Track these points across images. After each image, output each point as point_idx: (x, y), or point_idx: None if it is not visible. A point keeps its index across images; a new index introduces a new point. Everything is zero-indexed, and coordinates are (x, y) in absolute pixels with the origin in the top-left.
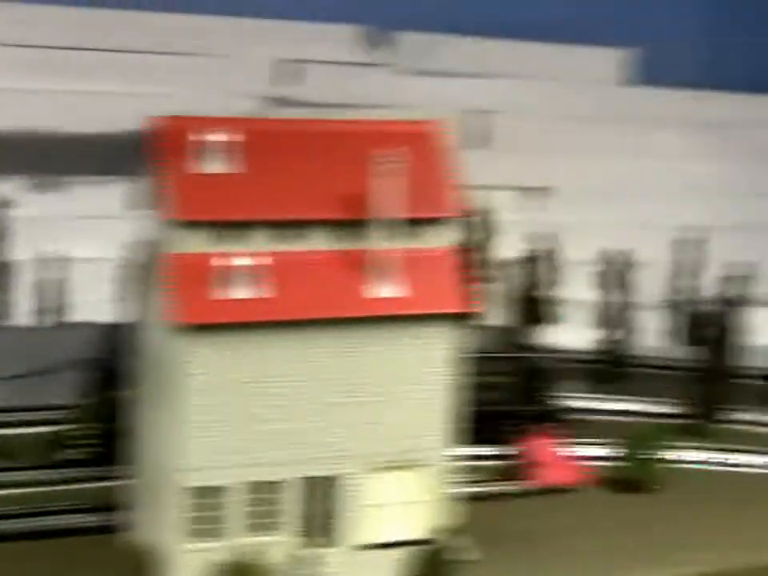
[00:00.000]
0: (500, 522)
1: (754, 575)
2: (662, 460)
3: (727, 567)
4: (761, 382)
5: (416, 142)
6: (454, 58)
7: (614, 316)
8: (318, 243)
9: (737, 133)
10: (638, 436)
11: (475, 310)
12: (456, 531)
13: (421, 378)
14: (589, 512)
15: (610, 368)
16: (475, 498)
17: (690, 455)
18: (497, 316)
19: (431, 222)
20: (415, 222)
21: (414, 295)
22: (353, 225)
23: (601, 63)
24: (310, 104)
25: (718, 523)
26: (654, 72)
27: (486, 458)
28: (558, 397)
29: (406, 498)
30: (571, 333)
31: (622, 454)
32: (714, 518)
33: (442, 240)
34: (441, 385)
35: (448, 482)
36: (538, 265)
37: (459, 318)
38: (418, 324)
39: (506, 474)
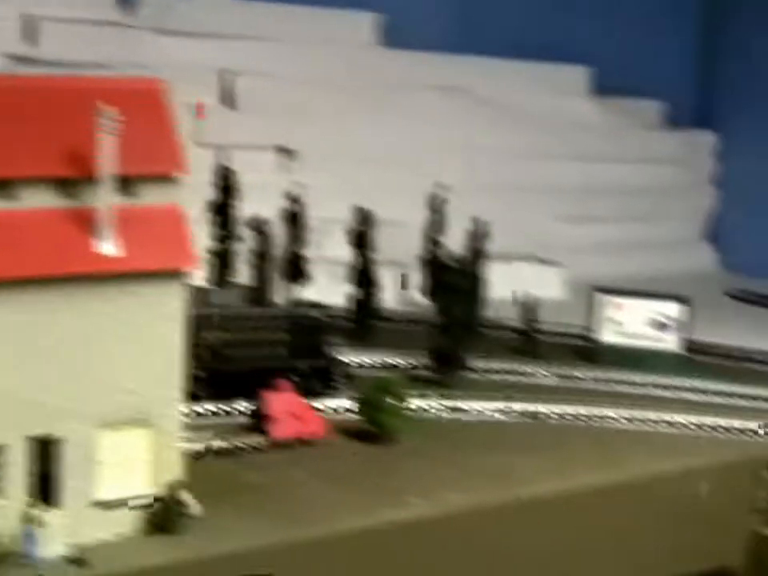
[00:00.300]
0: (233, 477)
1: (480, 514)
2: (403, 410)
3: (453, 509)
4: (503, 333)
5: (142, 101)
6: (201, 18)
7: (366, 273)
8: (34, 201)
9: (488, 96)
10: (379, 387)
11: (201, 267)
12: (183, 487)
13: (146, 335)
14: (326, 463)
15: (363, 323)
16: (210, 453)
17: (430, 405)
18: (247, 275)
19: (155, 179)
20: (137, 180)
21: (135, 252)
22: (71, 182)
23: (353, 26)
24: (51, 63)
25: (451, 468)
26: (407, 36)
27: (225, 413)
28: (313, 351)
29: (133, 456)
30: (325, 290)
31: (362, 406)
32: (447, 463)
33: (166, 197)
34: (168, 342)
35: (177, 439)
36: (291, 224)
37: (184, 275)
38: (140, 281)
39: (245, 429)
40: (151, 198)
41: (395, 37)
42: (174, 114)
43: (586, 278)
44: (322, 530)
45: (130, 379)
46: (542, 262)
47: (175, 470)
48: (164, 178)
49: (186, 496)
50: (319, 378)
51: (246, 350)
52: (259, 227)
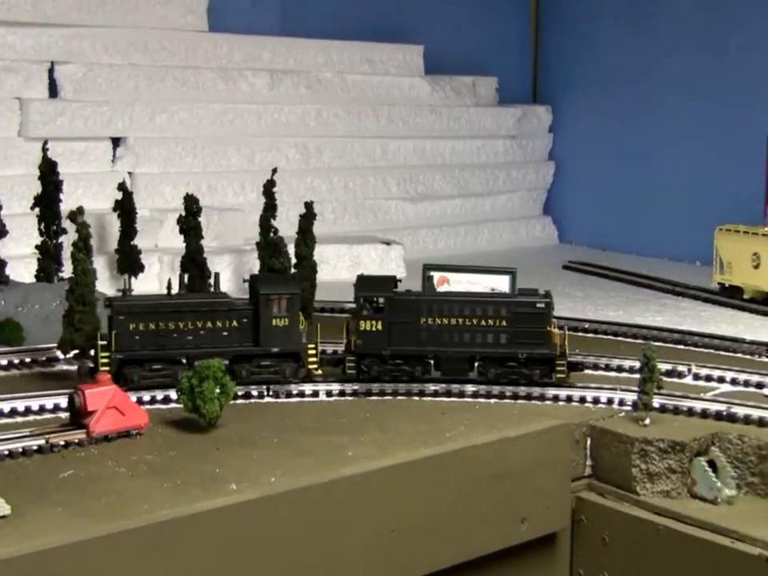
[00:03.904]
0: (49, 474)
1: (302, 496)
2: (223, 396)
3: (273, 492)
4: (335, 315)
5: None
6: (18, 5)
7: (198, 261)
8: None
9: (322, 78)
10: (198, 374)
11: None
12: None
13: None
14: (146, 456)
15: None
16: (26, 451)
17: (256, 388)
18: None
19: None
20: None
21: None
22: None
23: (181, 9)
24: None
25: (273, 451)
26: (237, 19)
27: (40, 410)
28: (534, 340)
29: None
30: (157, 280)
31: (182, 393)
32: (269, 447)
33: None
34: None
35: None
36: (121, 215)
37: None
38: None
39: (66, 425)
40: None
41: (224, 20)
42: None
43: (428, 255)
44: (135, 522)
45: None
46: (383, 242)
47: None
48: None
49: None
50: (540, 367)
51: (464, 335)
52: (91, 219)
